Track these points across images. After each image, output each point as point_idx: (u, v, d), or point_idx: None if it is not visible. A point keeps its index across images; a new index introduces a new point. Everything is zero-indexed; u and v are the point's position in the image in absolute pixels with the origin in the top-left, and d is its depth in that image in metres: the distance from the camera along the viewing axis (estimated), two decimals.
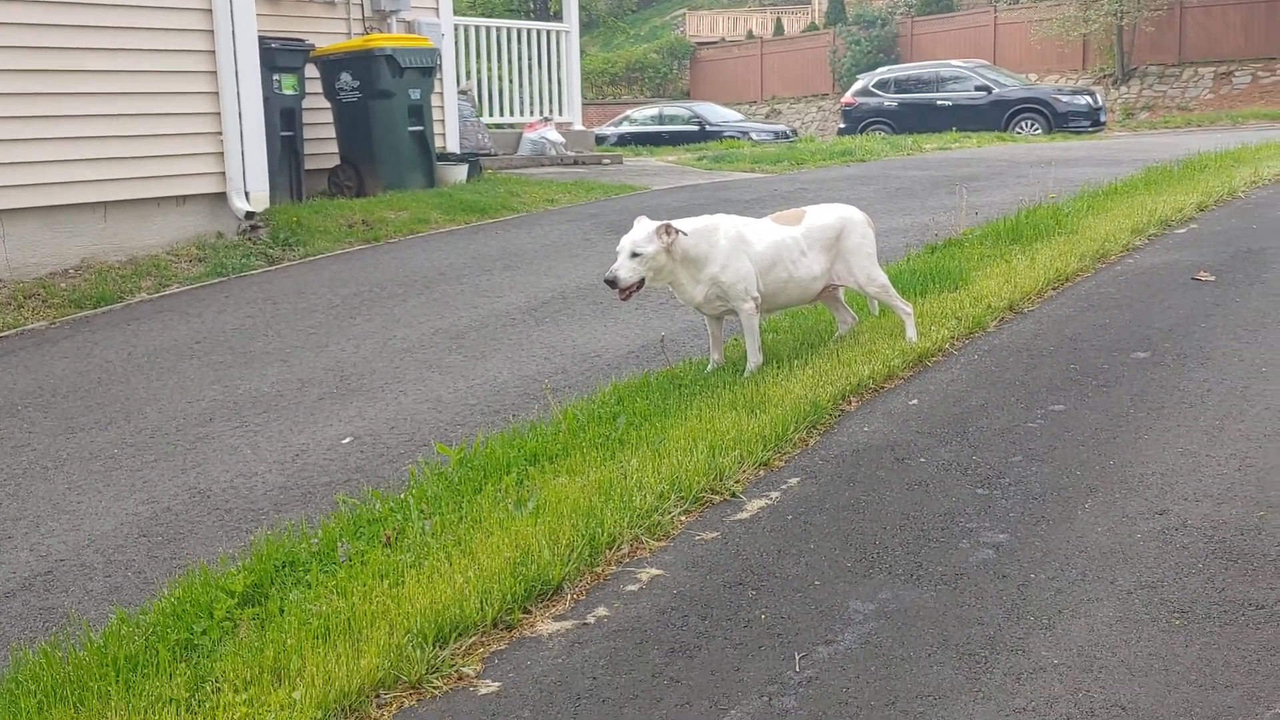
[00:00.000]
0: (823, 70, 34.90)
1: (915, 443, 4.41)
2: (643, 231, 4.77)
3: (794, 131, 26.62)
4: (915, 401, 4.86)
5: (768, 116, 33.82)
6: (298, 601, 3.39)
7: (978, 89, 23.40)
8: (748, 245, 4.99)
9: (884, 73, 25.59)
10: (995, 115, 22.60)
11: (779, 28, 40.28)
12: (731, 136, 22.74)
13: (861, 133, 22.53)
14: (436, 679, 3.03)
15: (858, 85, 25.50)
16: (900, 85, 24.57)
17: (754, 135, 23.90)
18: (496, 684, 3.02)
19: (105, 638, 3.30)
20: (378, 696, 2.96)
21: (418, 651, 3.06)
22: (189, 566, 3.79)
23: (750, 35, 40.39)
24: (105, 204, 8.19)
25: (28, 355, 6.68)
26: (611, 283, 4.74)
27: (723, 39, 41.36)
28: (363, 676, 2.96)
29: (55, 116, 7.79)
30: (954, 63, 25.03)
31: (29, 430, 5.44)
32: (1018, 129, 22.26)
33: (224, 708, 2.88)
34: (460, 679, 3.05)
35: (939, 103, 23.56)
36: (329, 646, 3.10)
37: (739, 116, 28.07)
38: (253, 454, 4.94)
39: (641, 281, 4.80)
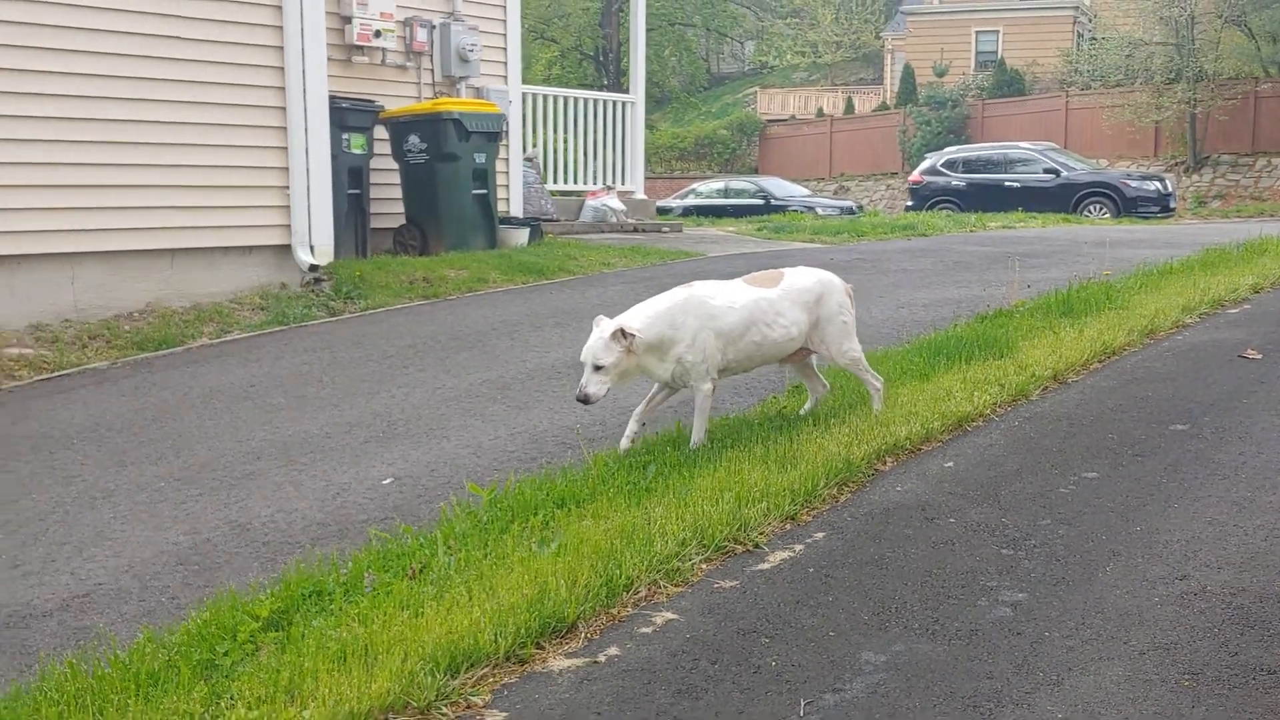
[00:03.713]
0: (892, 149, 35.07)
1: (946, 503, 4.40)
2: (600, 341, 4.59)
3: (860, 207, 26.77)
4: (951, 464, 4.86)
5: (835, 193, 33.98)
6: (320, 628, 3.46)
7: (1046, 171, 23.42)
8: (714, 321, 4.81)
9: (952, 152, 25.72)
10: (1063, 198, 22.59)
11: (849, 106, 40.60)
12: (797, 210, 22.92)
13: (928, 211, 22.59)
14: (445, 706, 3.07)
15: (925, 164, 25.63)
16: (968, 165, 24.66)
17: (819, 210, 24.07)
18: (504, 714, 3.06)
19: (130, 654, 3.39)
20: None
21: (429, 678, 3.11)
22: (218, 593, 3.88)
23: (820, 113, 40.73)
24: (172, 251, 8.48)
25: (87, 393, 6.89)
26: (584, 400, 4.61)
27: (793, 116, 41.77)
28: (373, 699, 3.01)
29: (125, 165, 8.11)
30: (1023, 145, 25.09)
31: (81, 462, 5.61)
32: (1086, 212, 22.22)
33: None
34: (468, 707, 3.09)
35: (1007, 184, 23.59)
36: (344, 670, 3.15)
37: (805, 191, 28.28)
38: (295, 491, 5.05)
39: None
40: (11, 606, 4.10)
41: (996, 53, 37.68)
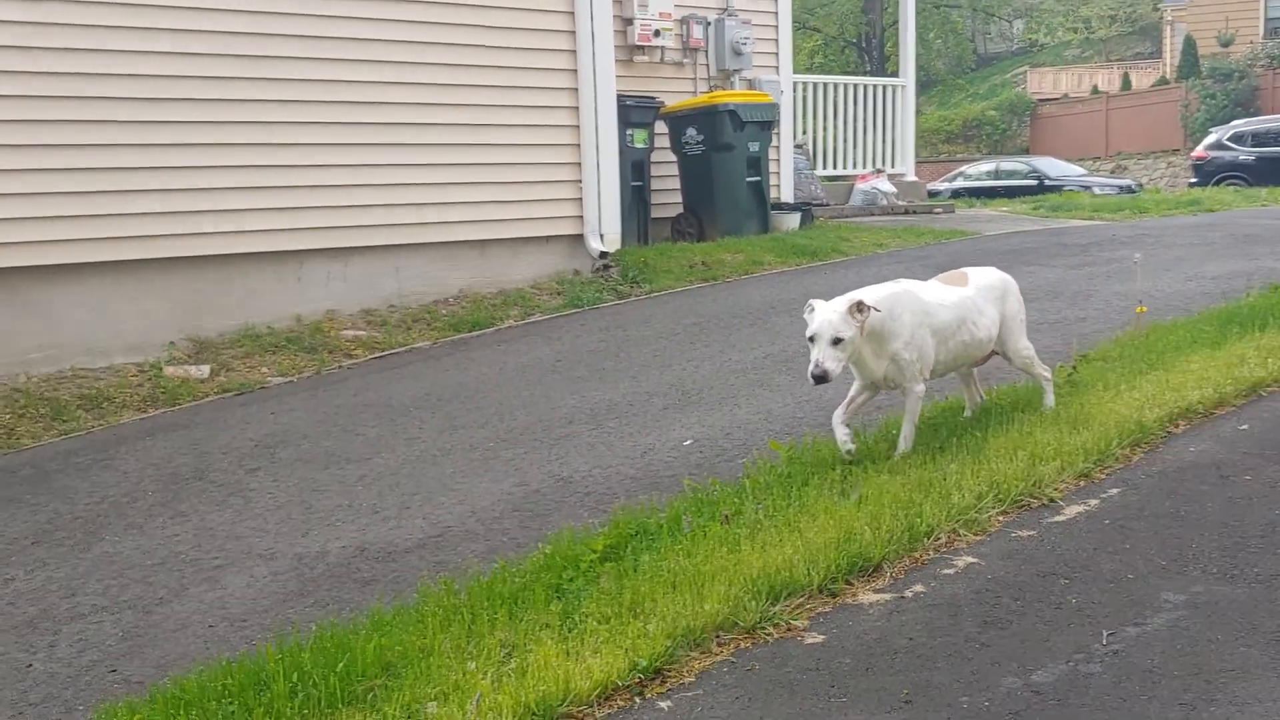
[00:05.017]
0: (1173, 125, 33.32)
1: (1241, 462, 4.46)
2: (837, 314, 4.36)
3: (1140, 185, 25.70)
4: (1246, 426, 4.89)
5: (1113, 171, 32.60)
6: (649, 561, 3.90)
7: None
8: (930, 317, 4.65)
9: (1239, 125, 24.30)
10: None
11: (1126, 82, 38.78)
12: (1072, 190, 22.25)
13: (1214, 187, 21.50)
14: (769, 627, 3.44)
15: (1210, 139, 24.34)
16: (1257, 138, 23.25)
17: (1096, 189, 23.27)
18: (822, 636, 3.40)
19: (491, 578, 3.92)
20: (718, 636, 3.40)
21: (753, 603, 3.49)
22: (559, 530, 4.38)
23: (1095, 90, 39.10)
24: (483, 242, 9.25)
25: (415, 369, 7.66)
26: (821, 377, 4.35)
27: (1065, 95, 40.22)
28: (705, 618, 3.42)
29: (445, 165, 8.91)
30: None
31: (420, 427, 6.30)
32: None
33: (590, 632, 3.41)
34: (790, 630, 3.45)
35: None
36: (676, 594, 3.57)
37: (1080, 171, 27.32)
38: (607, 450, 5.55)
39: None
40: (378, 545, 4.73)
41: None
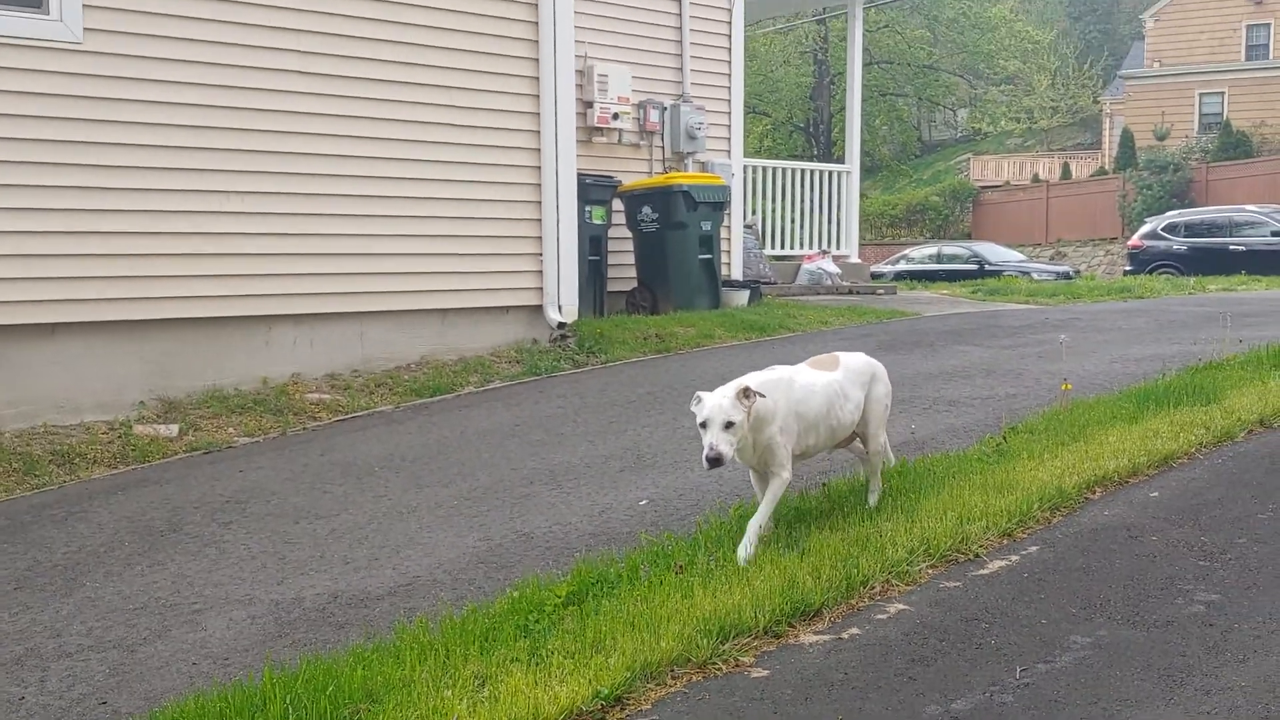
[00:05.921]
0: (1111, 214, 34.58)
1: (1149, 525, 4.89)
2: (728, 399, 4.51)
3: (1077, 272, 26.68)
4: (1156, 494, 5.33)
5: (1052, 258, 33.71)
6: (609, 606, 4.23)
7: (1275, 235, 22.88)
8: (800, 405, 4.81)
9: (1173, 216, 25.38)
10: None
11: (1066, 171, 40.21)
12: (1011, 275, 23.06)
13: (1148, 275, 22.40)
14: (719, 662, 3.79)
15: (1145, 228, 25.38)
16: (1191, 229, 24.30)
17: (1035, 275, 24.14)
18: (766, 671, 3.76)
19: (464, 618, 4.24)
20: (672, 670, 3.74)
21: (705, 641, 3.84)
22: (524, 578, 4.70)
23: (1036, 179, 40.44)
24: (444, 311, 9.62)
25: (379, 431, 7.96)
26: (716, 460, 4.45)
27: (1007, 182, 41.59)
28: (661, 654, 3.76)
29: (414, 235, 9.31)
30: (1249, 208, 24.60)
31: (385, 485, 6.60)
32: None
33: (556, 665, 3.74)
34: (738, 665, 3.80)
35: (1231, 247, 23.16)
36: (635, 633, 3.91)
37: (1020, 256, 28.28)
38: (566, 509, 5.88)
39: None
40: (351, 592, 5.02)
41: (1221, 114, 36.79)
